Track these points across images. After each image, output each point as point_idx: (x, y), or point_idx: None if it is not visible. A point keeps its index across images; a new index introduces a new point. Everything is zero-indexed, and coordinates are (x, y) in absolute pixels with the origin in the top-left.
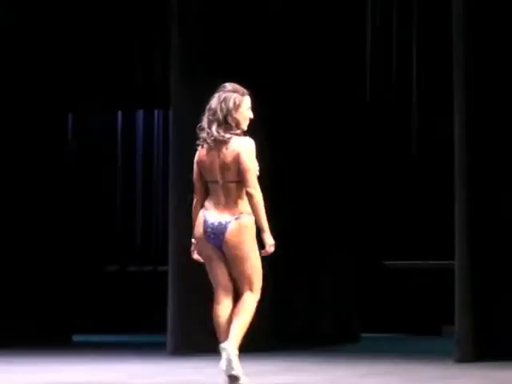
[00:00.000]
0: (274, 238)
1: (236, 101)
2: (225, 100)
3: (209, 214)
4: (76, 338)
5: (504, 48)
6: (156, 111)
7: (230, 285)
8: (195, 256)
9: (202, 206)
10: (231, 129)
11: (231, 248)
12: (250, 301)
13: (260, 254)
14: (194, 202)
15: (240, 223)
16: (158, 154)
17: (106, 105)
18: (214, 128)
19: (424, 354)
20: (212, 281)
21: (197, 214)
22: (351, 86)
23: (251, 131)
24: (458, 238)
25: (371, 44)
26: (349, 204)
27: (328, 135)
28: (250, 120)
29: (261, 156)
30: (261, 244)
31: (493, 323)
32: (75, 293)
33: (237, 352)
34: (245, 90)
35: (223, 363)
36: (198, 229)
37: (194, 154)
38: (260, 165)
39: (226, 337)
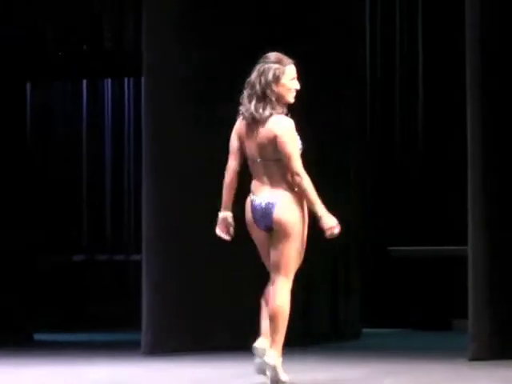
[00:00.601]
0: None
1: (276, 72)
2: (264, 72)
3: (257, 198)
4: (38, 336)
5: None
6: (126, 80)
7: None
8: (217, 231)
9: (237, 173)
10: (271, 104)
11: (279, 226)
12: (284, 293)
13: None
14: (228, 165)
15: (288, 200)
16: (128, 128)
17: (70, 72)
18: (252, 103)
19: (433, 351)
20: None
21: (229, 178)
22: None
23: None
24: (472, 220)
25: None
26: (347, 183)
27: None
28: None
29: None
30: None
31: None
32: (37, 286)
33: (279, 360)
34: (288, 59)
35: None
36: (248, 214)
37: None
38: None
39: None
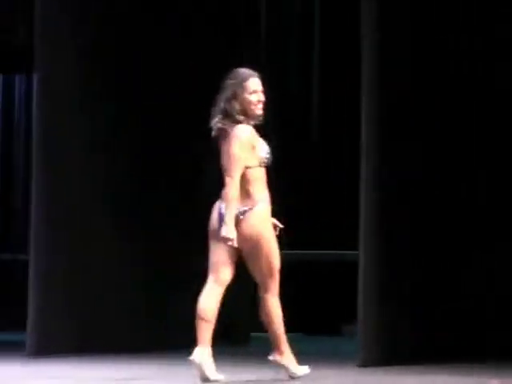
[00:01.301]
0: None
1: (233, 88)
2: (224, 89)
3: (222, 204)
4: None
5: None
6: (17, 77)
7: (228, 277)
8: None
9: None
10: (232, 118)
11: (246, 241)
12: (276, 305)
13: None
14: None
15: (254, 214)
16: (18, 125)
17: None
18: (215, 120)
19: (322, 357)
20: (210, 267)
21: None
22: None
23: None
24: (363, 224)
25: None
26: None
27: None
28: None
29: None
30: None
31: (402, 322)
32: None
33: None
34: (250, 73)
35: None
36: (213, 220)
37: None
38: None
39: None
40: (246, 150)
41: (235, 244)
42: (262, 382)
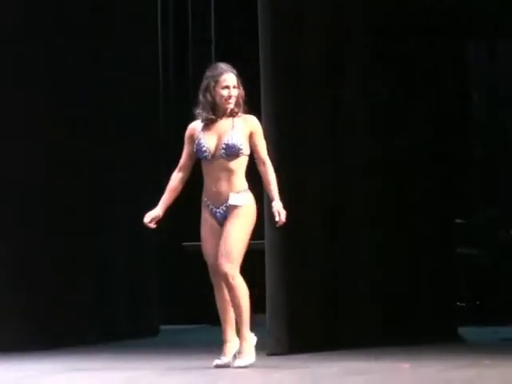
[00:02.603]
0: None
1: (206, 81)
2: (202, 80)
3: None
4: None
5: None
6: None
7: None
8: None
9: None
10: (204, 109)
11: None
12: None
13: None
14: None
15: None
16: None
17: None
18: (196, 110)
19: None
20: None
21: None
22: None
23: None
24: (267, 215)
25: None
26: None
27: None
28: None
29: None
30: None
31: (308, 312)
32: None
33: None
34: (224, 69)
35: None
36: None
37: None
38: None
39: None
40: (188, 145)
41: None
42: (172, 372)
